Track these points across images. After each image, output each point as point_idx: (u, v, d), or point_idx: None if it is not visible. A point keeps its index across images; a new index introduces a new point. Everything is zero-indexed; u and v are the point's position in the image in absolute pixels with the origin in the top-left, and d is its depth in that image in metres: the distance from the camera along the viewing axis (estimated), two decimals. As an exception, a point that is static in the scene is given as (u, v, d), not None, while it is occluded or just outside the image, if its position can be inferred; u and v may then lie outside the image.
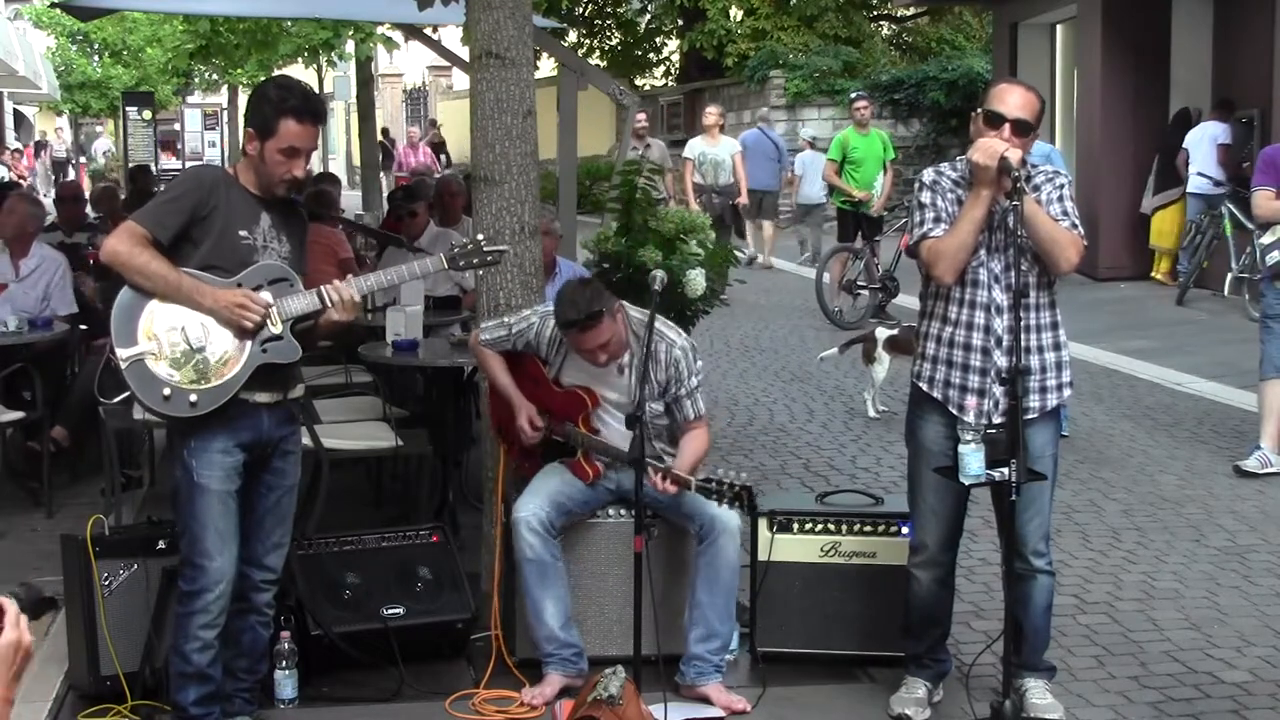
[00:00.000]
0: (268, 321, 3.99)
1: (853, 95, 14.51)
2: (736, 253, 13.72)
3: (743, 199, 14.45)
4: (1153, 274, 14.33)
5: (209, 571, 3.98)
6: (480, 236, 4.46)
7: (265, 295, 4.01)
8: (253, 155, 4.03)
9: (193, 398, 3.94)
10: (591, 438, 4.65)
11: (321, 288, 4.07)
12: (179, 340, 3.95)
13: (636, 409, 4.29)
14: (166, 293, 3.93)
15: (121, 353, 3.95)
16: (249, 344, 3.99)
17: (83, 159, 34.81)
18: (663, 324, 4.71)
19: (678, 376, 4.65)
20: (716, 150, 14.19)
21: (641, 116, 14.09)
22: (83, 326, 7.57)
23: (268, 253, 4.06)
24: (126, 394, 4.10)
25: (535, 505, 4.56)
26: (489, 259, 4.36)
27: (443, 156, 25.72)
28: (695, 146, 14.29)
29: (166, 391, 3.93)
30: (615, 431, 4.63)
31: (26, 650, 2.06)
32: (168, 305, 3.95)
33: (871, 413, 8.62)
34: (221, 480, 4.00)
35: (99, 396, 5.99)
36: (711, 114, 14.52)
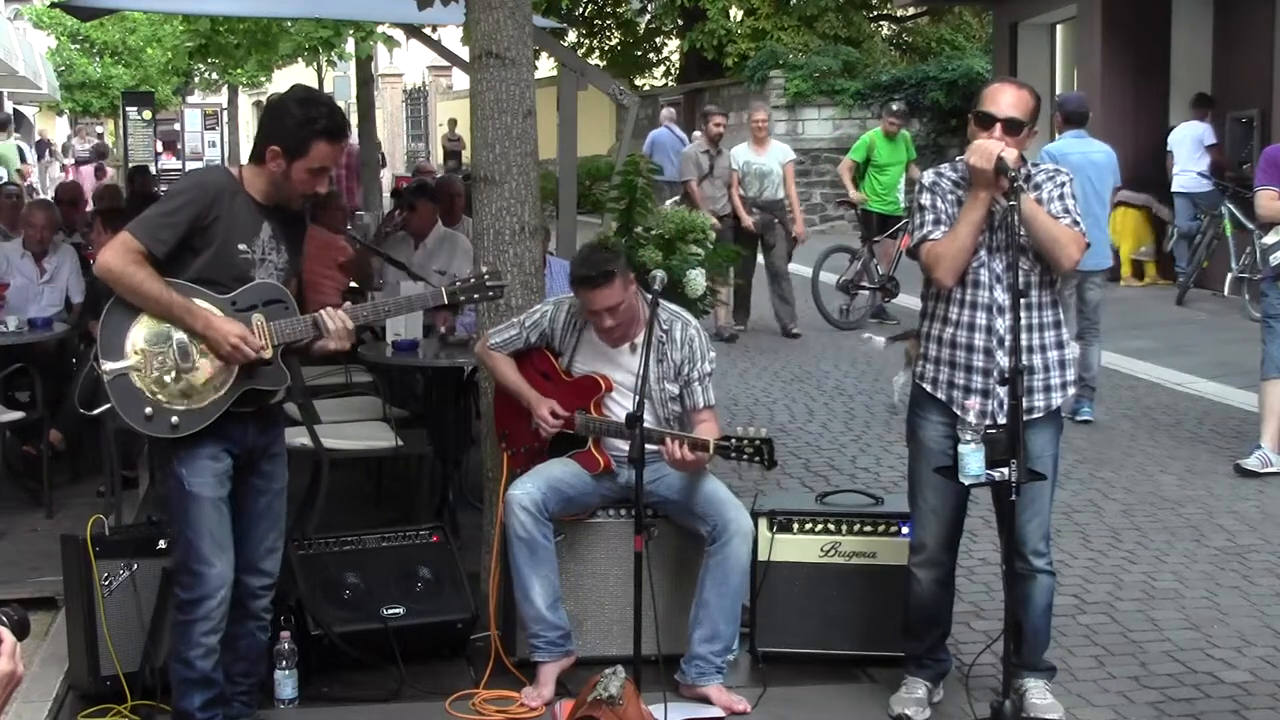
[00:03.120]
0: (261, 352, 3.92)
1: (894, 107, 13.39)
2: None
3: (799, 228, 12.24)
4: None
5: (209, 578, 3.94)
6: (484, 269, 4.44)
7: (258, 317, 3.93)
8: (275, 172, 3.92)
9: (174, 419, 3.87)
10: (603, 420, 4.64)
11: (319, 315, 3.99)
12: (167, 358, 3.87)
13: (636, 409, 4.30)
14: (158, 313, 3.86)
15: (107, 365, 3.86)
16: (237, 368, 3.91)
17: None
18: (675, 307, 4.84)
19: (691, 357, 4.67)
20: (763, 159, 12.08)
21: (719, 118, 12.10)
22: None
23: (265, 266, 3.98)
24: (107, 406, 3.95)
25: (530, 486, 4.56)
26: (490, 294, 4.32)
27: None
28: (740, 155, 12.09)
29: (149, 410, 3.86)
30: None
31: (18, 680, 2.10)
32: (158, 321, 3.87)
33: (895, 399, 8.58)
34: (213, 487, 3.95)
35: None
36: (759, 118, 12.30)
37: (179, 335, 3.88)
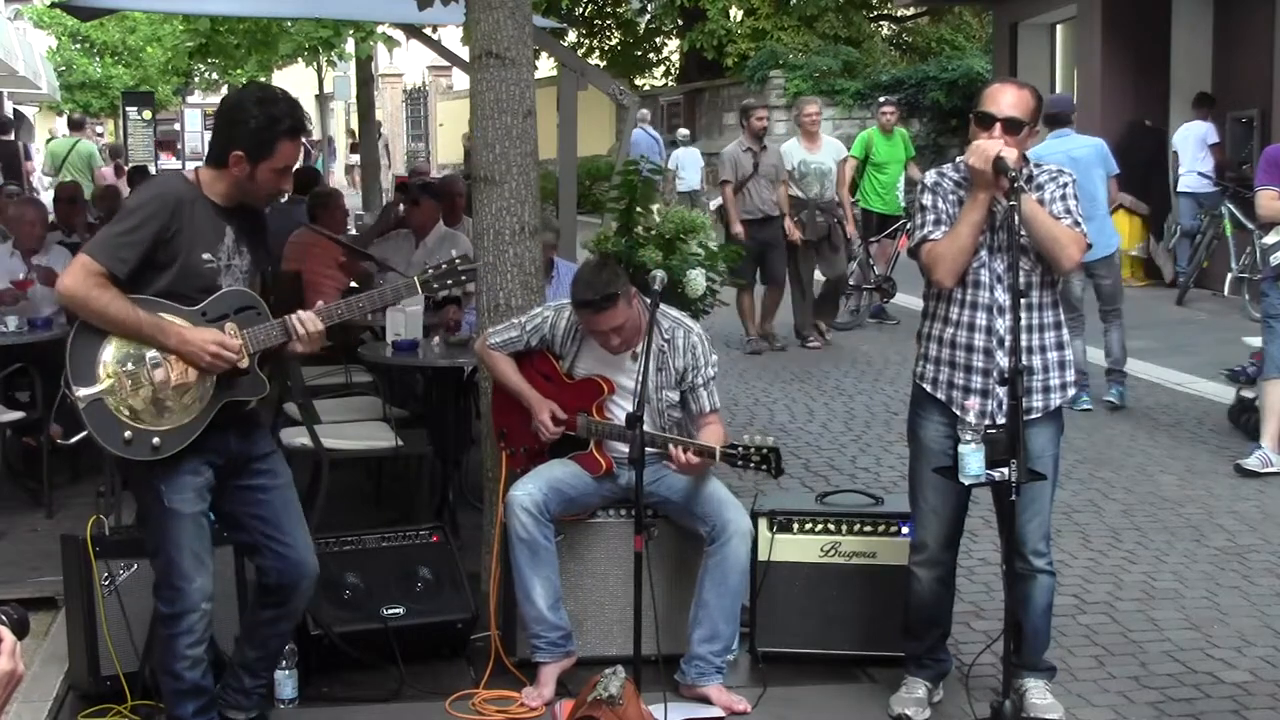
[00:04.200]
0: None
1: (880, 100, 13.45)
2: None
3: (850, 229, 11.55)
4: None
5: (189, 594, 3.88)
6: (455, 253, 4.39)
7: (230, 327, 3.85)
8: (239, 175, 3.82)
9: (155, 440, 3.78)
10: (606, 423, 4.64)
11: (287, 319, 3.89)
12: (141, 378, 3.77)
13: (636, 409, 4.30)
14: (127, 334, 3.75)
15: (80, 391, 3.75)
16: (213, 380, 3.83)
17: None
18: (677, 313, 4.81)
19: (694, 364, 4.67)
20: (820, 157, 11.20)
21: (762, 113, 11.04)
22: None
23: (230, 272, 3.88)
24: (84, 434, 3.88)
25: (531, 487, 4.57)
26: (462, 277, 4.23)
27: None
28: (793, 153, 11.18)
29: (128, 434, 3.76)
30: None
31: (18, 679, 2.09)
32: (128, 341, 3.77)
33: None
34: (193, 502, 3.87)
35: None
36: (811, 112, 11.33)
37: (152, 354, 3.78)
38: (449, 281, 4.18)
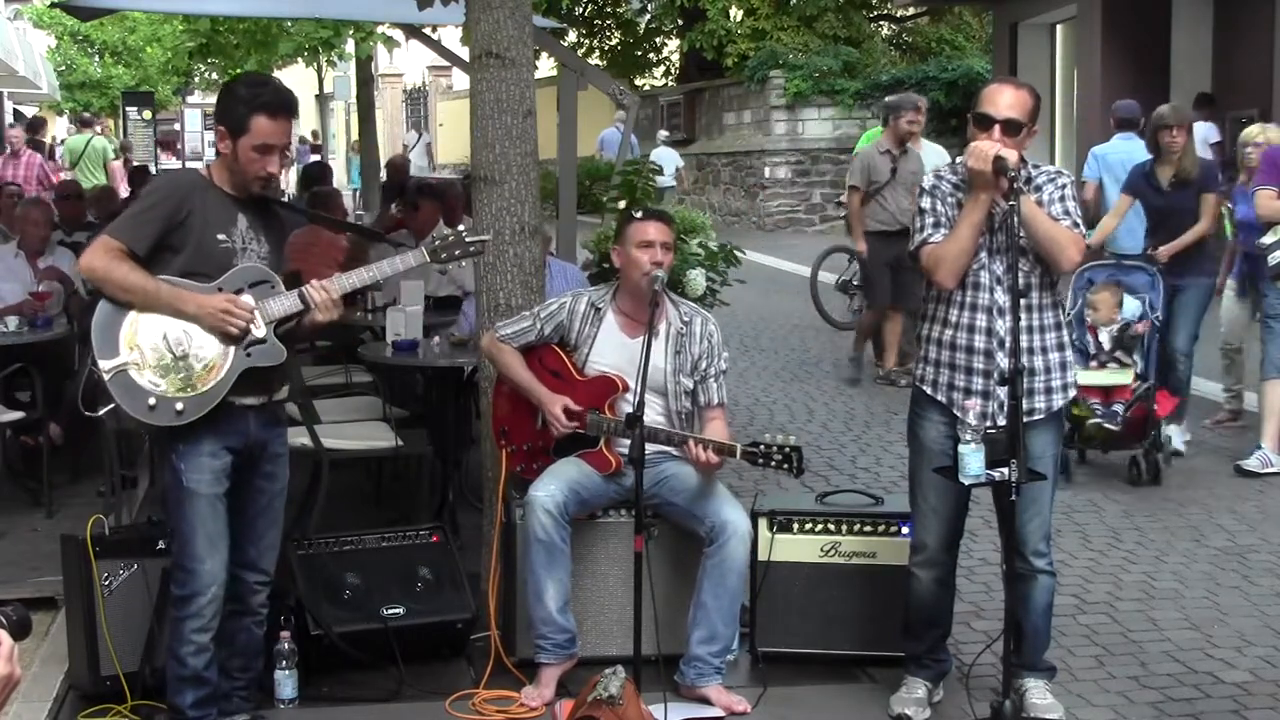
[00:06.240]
0: (252, 325, 3.97)
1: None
2: None
3: None
4: None
5: (200, 575, 3.97)
6: (461, 228, 4.46)
7: (247, 298, 3.99)
8: (226, 154, 4.01)
9: (179, 406, 3.92)
10: (617, 420, 4.62)
11: (303, 288, 4.05)
12: (161, 349, 3.92)
13: (636, 409, 4.29)
14: (147, 303, 3.91)
15: (104, 364, 3.91)
16: (233, 349, 3.97)
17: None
18: (693, 304, 4.95)
19: (710, 352, 4.72)
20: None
21: (912, 115, 9.53)
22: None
23: (247, 254, 4.04)
24: (111, 406, 4.04)
25: (554, 488, 4.55)
26: (471, 250, 4.34)
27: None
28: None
29: (152, 401, 3.91)
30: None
31: (16, 682, 2.09)
32: (148, 314, 3.92)
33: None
34: (210, 484, 3.98)
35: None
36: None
37: (171, 323, 3.93)
38: (457, 253, 4.31)
